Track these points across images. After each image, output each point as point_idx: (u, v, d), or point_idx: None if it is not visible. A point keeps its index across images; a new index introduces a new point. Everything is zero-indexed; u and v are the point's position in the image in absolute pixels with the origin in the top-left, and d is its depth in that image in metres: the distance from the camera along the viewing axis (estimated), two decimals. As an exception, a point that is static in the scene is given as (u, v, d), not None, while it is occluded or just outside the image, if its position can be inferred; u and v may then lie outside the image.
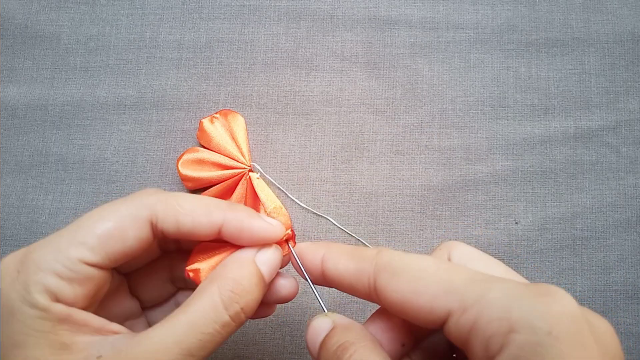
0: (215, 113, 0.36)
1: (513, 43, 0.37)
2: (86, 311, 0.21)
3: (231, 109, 0.36)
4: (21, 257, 0.21)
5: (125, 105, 0.37)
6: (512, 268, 0.33)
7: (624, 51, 0.36)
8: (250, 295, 0.22)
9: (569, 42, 0.36)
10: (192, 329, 0.20)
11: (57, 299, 0.20)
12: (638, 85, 0.36)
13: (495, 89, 0.36)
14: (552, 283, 0.33)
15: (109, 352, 0.20)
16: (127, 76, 0.38)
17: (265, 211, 0.34)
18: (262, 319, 0.33)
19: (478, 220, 0.34)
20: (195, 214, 0.22)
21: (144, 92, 0.37)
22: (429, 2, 0.38)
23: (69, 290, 0.20)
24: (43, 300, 0.20)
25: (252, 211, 0.24)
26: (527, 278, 0.33)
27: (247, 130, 0.36)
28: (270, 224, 0.24)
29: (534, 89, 0.36)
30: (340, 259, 0.22)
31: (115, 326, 0.21)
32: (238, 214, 0.23)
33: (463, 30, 0.37)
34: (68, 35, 0.39)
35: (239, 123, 0.36)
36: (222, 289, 0.21)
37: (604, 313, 0.33)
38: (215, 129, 0.35)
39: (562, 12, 0.37)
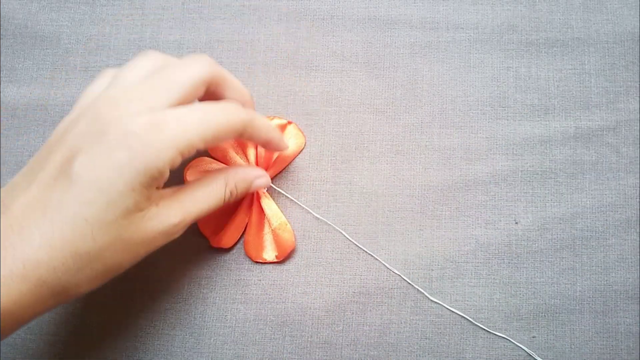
0: None
1: (513, 43, 0.37)
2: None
3: None
4: (154, 122, 0.25)
5: (125, 105, 0.37)
6: (512, 268, 0.33)
7: (624, 51, 0.36)
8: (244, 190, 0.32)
9: (569, 42, 0.36)
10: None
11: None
12: (638, 85, 0.36)
13: (495, 89, 0.36)
14: (552, 283, 0.33)
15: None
16: (127, 76, 0.38)
17: (270, 227, 0.34)
18: (263, 319, 0.33)
19: (478, 220, 0.34)
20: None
21: (144, 92, 0.37)
22: (429, 2, 0.38)
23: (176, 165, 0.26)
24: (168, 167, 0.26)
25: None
26: (526, 278, 0.33)
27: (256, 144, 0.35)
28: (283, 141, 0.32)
29: (534, 89, 0.36)
30: None
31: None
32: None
33: (463, 30, 0.37)
34: (68, 35, 0.39)
35: None
36: (228, 184, 0.30)
37: (604, 313, 0.33)
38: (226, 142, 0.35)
39: (562, 12, 0.37)
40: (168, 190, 0.28)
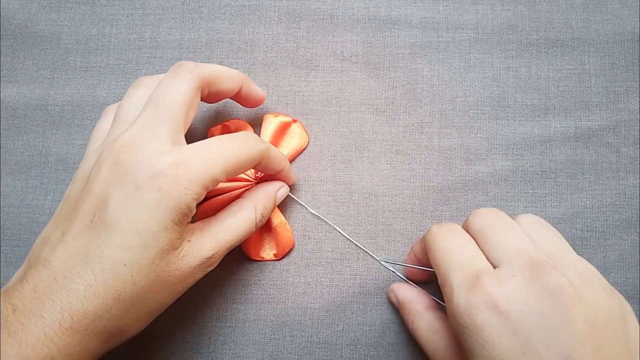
0: (225, 122, 0.36)
1: (513, 43, 0.37)
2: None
3: (240, 118, 0.36)
4: (179, 161, 0.26)
5: (125, 105, 0.37)
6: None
7: (624, 51, 0.36)
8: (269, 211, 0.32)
9: (569, 42, 0.36)
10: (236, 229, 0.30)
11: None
12: (638, 85, 0.36)
13: (495, 89, 0.36)
14: (552, 283, 0.33)
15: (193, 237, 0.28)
16: (127, 76, 0.38)
17: (271, 225, 0.34)
18: (263, 319, 0.33)
19: (478, 220, 0.34)
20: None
21: (144, 92, 0.37)
22: (429, 2, 0.38)
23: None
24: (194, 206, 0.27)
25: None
26: (527, 278, 0.33)
27: None
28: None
29: (534, 89, 0.36)
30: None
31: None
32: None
33: (463, 30, 0.37)
34: (68, 35, 0.39)
35: None
36: (257, 207, 0.31)
37: (604, 313, 0.33)
38: None
39: (562, 12, 0.37)
40: (198, 224, 0.29)
